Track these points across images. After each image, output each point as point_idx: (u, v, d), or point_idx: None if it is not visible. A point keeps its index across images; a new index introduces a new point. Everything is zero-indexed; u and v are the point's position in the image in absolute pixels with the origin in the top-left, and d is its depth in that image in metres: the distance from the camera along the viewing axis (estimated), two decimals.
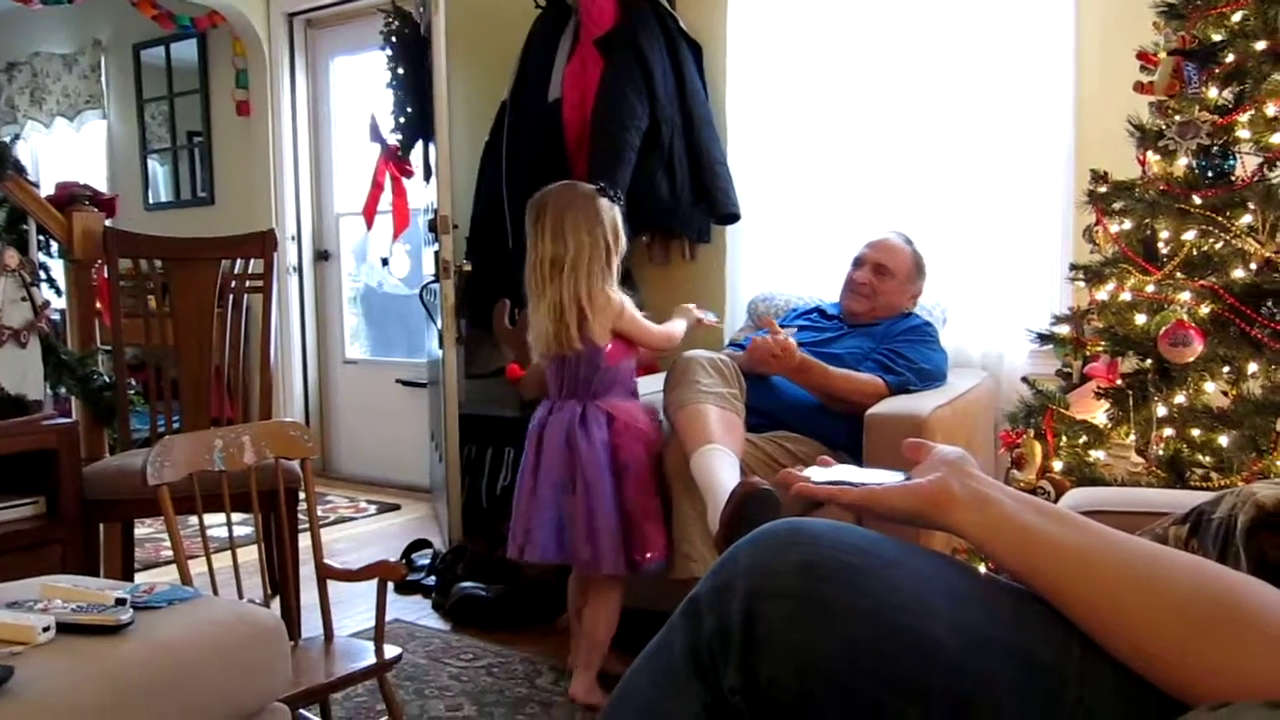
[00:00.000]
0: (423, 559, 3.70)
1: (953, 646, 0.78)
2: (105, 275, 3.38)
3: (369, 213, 4.58)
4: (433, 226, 3.82)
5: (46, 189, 3.75)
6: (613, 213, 2.58)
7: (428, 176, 4.13)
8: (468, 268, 3.95)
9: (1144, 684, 0.78)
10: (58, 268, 4.37)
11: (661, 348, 2.79)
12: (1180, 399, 2.22)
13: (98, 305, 3.57)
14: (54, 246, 4.13)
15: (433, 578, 3.49)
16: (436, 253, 3.79)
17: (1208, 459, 2.18)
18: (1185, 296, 2.20)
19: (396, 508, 4.78)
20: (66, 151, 6.90)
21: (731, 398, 2.59)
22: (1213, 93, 2.29)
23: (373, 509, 4.76)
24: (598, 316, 2.52)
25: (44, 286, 3.97)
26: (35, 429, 2.67)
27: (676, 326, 2.77)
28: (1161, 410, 2.23)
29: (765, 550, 0.83)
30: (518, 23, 4.15)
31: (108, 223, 3.54)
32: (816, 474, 1.00)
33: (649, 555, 2.53)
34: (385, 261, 5.13)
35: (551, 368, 2.64)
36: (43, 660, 1.41)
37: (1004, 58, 3.32)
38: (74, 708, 1.37)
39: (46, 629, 1.46)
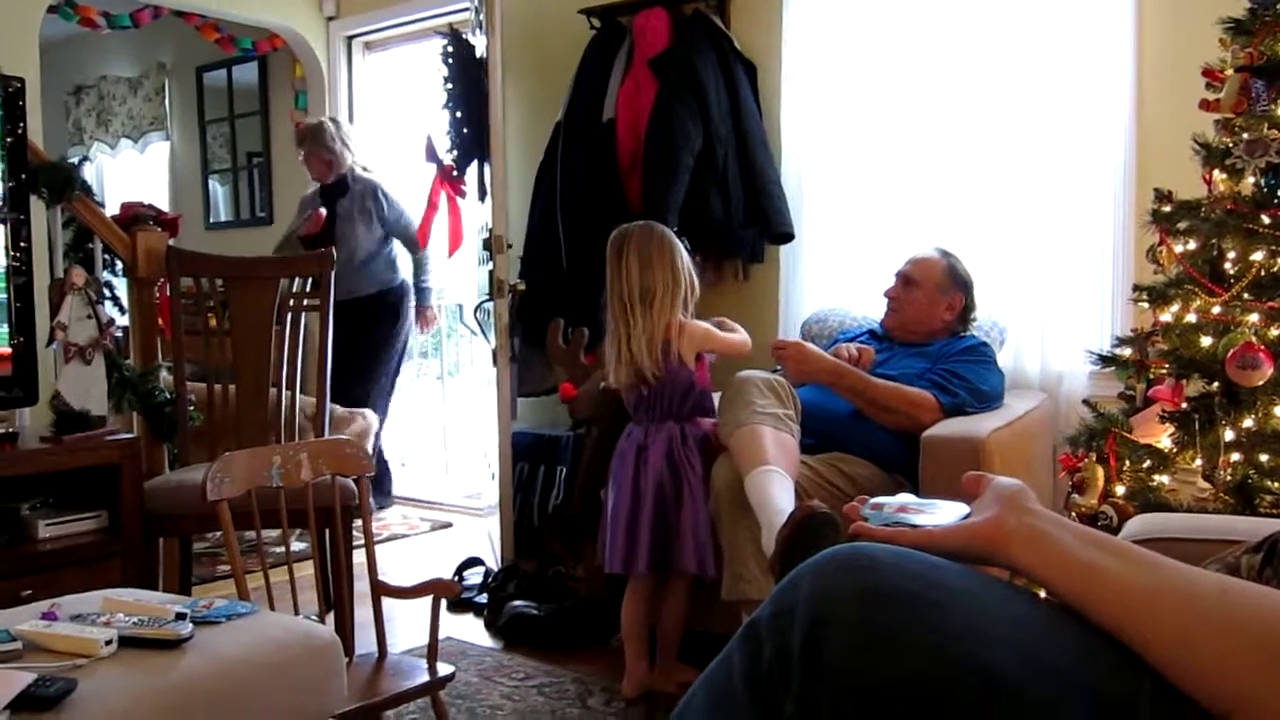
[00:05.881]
0: (474, 576, 3.71)
1: (1016, 676, 0.76)
2: (167, 293, 3.44)
3: (423, 232, 4.62)
4: (487, 245, 3.85)
5: (111, 209, 3.83)
6: (687, 257, 2.77)
7: (482, 196, 4.16)
8: (521, 287, 3.97)
9: None
10: (121, 286, 4.46)
11: (745, 352, 2.86)
12: (1248, 423, 2.18)
13: (159, 322, 3.64)
14: (118, 265, 4.21)
15: (484, 596, 3.49)
16: (490, 271, 3.81)
17: (1277, 485, 2.13)
18: (1254, 318, 2.16)
19: (449, 525, 4.81)
20: (131, 172, 7.07)
21: (787, 419, 2.58)
22: None
23: (425, 526, 4.78)
24: (685, 343, 2.69)
25: (108, 304, 4.05)
26: (99, 444, 2.72)
27: (743, 334, 2.90)
28: (1229, 434, 2.19)
29: (827, 576, 0.82)
30: (572, 44, 4.18)
31: (170, 242, 3.61)
32: (876, 508, 1.02)
33: None
34: None
35: (632, 394, 2.74)
36: (105, 673, 1.44)
37: (1062, 77, 3.27)
38: None
39: (109, 642, 1.48)
